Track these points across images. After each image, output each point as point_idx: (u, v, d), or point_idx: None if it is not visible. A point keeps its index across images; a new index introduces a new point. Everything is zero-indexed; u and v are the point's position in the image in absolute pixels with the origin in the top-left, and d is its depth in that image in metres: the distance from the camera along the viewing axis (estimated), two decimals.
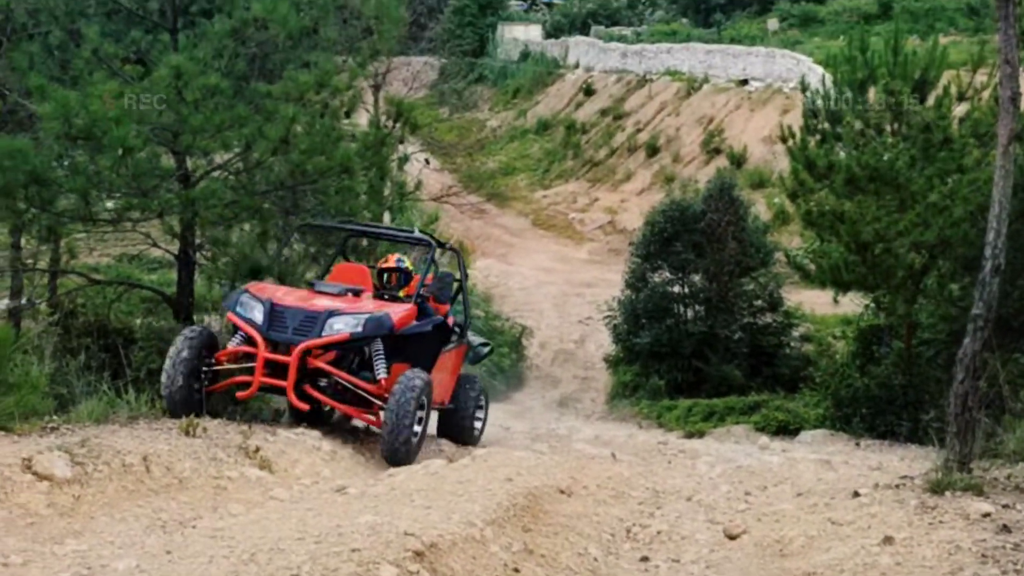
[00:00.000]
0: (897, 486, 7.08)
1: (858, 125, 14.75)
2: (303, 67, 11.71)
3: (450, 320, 10.69)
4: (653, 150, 37.07)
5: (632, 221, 31.37)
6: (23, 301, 13.05)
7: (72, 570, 5.11)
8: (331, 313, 9.16)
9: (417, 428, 9.10)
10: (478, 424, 11.34)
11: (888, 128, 14.68)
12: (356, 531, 5.31)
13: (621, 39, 47.12)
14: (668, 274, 20.49)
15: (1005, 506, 6.30)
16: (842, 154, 14.83)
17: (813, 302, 20.97)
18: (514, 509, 6.38)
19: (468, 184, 35.96)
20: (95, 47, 10.83)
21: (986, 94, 14.55)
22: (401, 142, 13.47)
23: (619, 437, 14.31)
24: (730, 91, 37.34)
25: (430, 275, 10.63)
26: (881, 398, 14.04)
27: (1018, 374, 11.18)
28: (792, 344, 20.20)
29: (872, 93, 15.31)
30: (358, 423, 10.25)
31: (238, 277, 11.02)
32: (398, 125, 12.91)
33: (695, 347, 19.72)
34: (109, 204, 11.65)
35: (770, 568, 6.07)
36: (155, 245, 12.50)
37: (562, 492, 7.24)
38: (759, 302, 20.24)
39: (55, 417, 7.70)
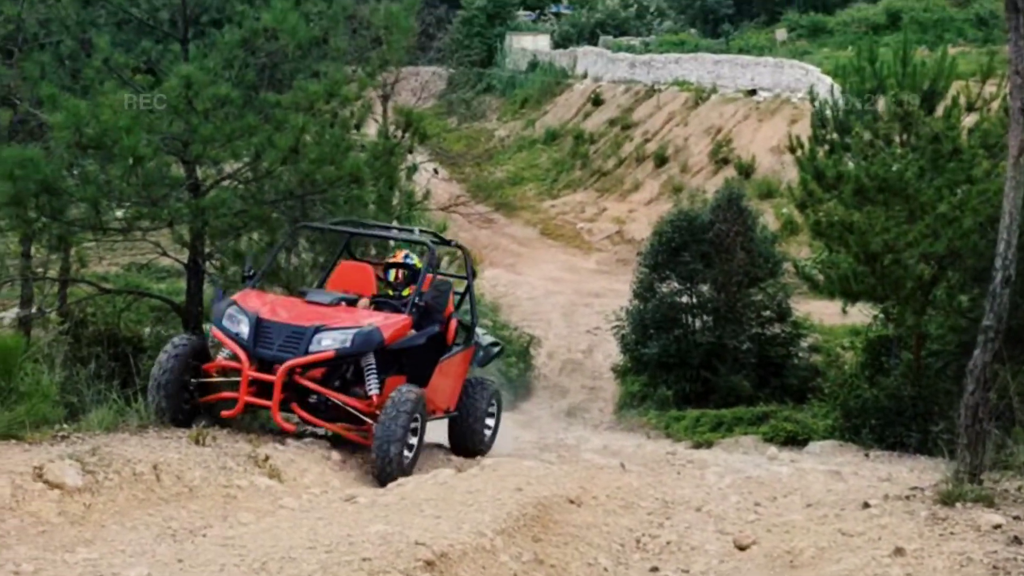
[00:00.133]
0: (907, 497, 7.07)
1: (867, 135, 14.73)
2: (312, 77, 11.76)
3: (453, 324, 10.36)
4: (661, 160, 37.08)
5: (640, 231, 31.37)
6: (33, 310, 13.09)
7: None
8: (318, 328, 8.79)
9: (412, 440, 8.80)
10: (488, 430, 10.93)
11: (897, 139, 14.66)
12: (367, 540, 5.31)
13: (629, 49, 47.18)
14: (676, 284, 20.47)
15: (1016, 518, 6.28)
16: (851, 164, 14.82)
17: (821, 313, 20.94)
18: (524, 519, 6.38)
19: (476, 194, 36.02)
20: (106, 57, 10.89)
21: (995, 105, 14.56)
22: (410, 152, 13.47)
23: (627, 447, 14.29)
24: (738, 101, 37.35)
25: (427, 281, 10.17)
26: (890, 409, 14.00)
27: None
28: (800, 355, 20.16)
29: (881, 103, 15.31)
30: None
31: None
32: (407, 135, 12.94)
33: (703, 357, 19.69)
34: (119, 213, 11.70)
35: None
36: (164, 254, 12.54)
37: (572, 502, 7.23)
38: (767, 312, 20.22)
39: (65, 426, 7.74)
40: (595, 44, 50.19)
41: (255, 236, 12.61)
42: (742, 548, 6.73)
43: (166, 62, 11.51)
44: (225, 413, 8.81)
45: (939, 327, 14.35)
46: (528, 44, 53.73)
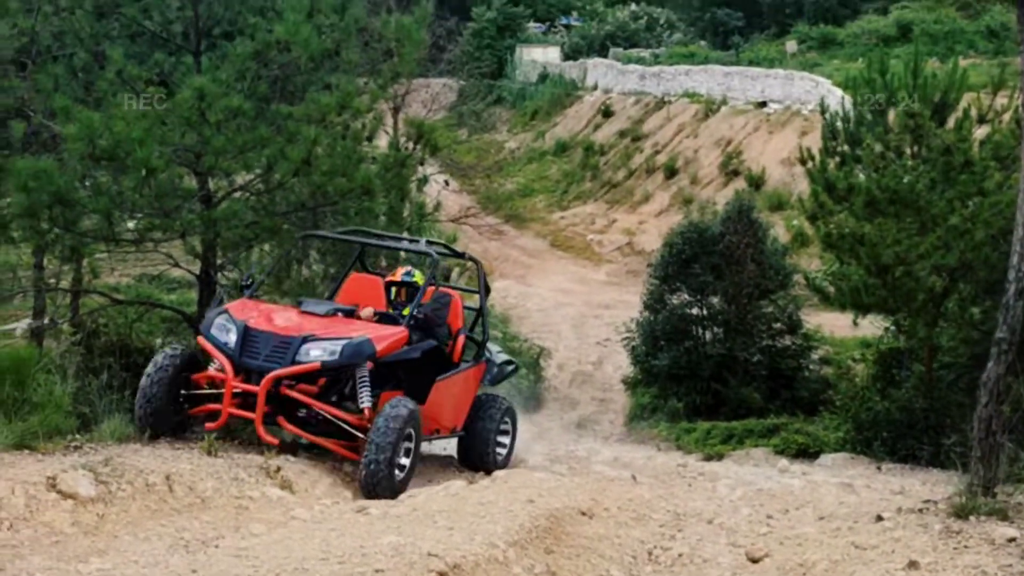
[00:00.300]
0: (920, 510, 7.04)
1: (878, 147, 14.73)
2: (324, 89, 11.81)
3: (461, 340, 10.13)
4: (671, 172, 37.09)
5: (650, 243, 31.35)
6: (46, 321, 13.15)
7: None
8: (306, 339, 8.51)
9: (404, 461, 8.49)
10: (501, 450, 10.54)
11: (908, 150, 14.64)
12: (380, 552, 5.31)
13: (639, 61, 47.24)
14: (686, 296, 20.44)
15: None
16: (862, 176, 14.80)
17: (832, 325, 20.89)
18: (536, 531, 6.37)
19: (486, 205, 36.07)
20: (119, 69, 10.95)
21: (1007, 116, 14.53)
22: (421, 164, 13.51)
23: (638, 459, 14.26)
24: (748, 113, 37.35)
25: (428, 293, 9.88)
26: (902, 422, 13.95)
27: None
28: (811, 367, 20.10)
29: (892, 115, 15.29)
30: None
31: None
32: (418, 147, 12.98)
33: (714, 369, 19.65)
34: (130, 224, 11.76)
35: None
36: (176, 265, 12.58)
37: (583, 514, 7.22)
38: (778, 324, 20.17)
39: (78, 436, 7.76)
40: (605, 56, 50.28)
41: (266, 247, 12.67)
42: (754, 561, 6.71)
43: (179, 74, 11.58)
44: (209, 425, 8.56)
45: (951, 339, 14.31)
46: (538, 56, 53.86)
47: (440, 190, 25.55)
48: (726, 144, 36.39)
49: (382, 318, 9.47)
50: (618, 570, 6.46)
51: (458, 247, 14.46)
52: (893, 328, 16.08)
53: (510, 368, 11.09)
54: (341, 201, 11.47)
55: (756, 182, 32.77)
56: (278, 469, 7.76)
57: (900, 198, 13.58)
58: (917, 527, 6.55)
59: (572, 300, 29.27)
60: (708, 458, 15.54)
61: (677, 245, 20.40)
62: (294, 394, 8.56)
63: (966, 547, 6.05)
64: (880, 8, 48.47)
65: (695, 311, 20.40)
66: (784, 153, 32.84)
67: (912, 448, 13.62)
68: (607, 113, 44.27)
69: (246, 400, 8.39)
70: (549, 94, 49.33)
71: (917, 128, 14.30)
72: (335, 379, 8.88)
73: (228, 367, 8.42)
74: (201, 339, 8.86)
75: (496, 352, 10.95)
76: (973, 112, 14.44)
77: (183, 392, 8.72)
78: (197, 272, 11.92)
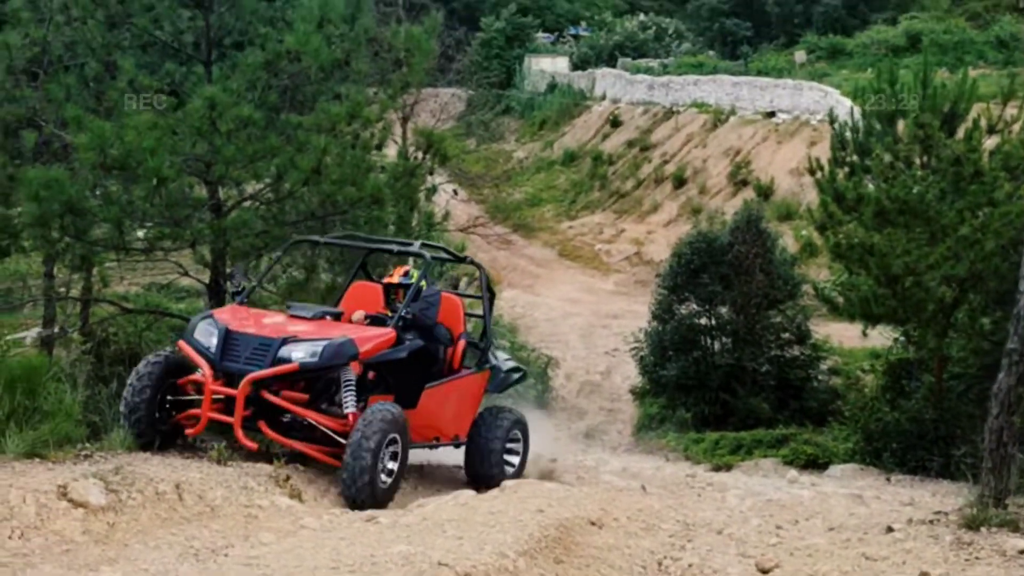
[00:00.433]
0: (931, 522, 7.03)
1: (887, 157, 14.71)
2: (334, 99, 11.85)
3: (461, 344, 9.81)
4: (680, 182, 37.10)
5: (659, 252, 31.34)
6: (56, 330, 13.20)
7: None
8: (285, 340, 8.24)
9: (391, 465, 8.15)
10: (512, 463, 10.03)
11: (917, 161, 14.62)
12: (390, 561, 5.31)
13: (648, 71, 47.30)
14: (695, 306, 20.41)
15: None
16: (871, 186, 14.78)
17: (841, 335, 20.84)
18: (546, 540, 6.36)
19: (495, 215, 36.13)
20: (131, 78, 11.00)
21: (1016, 127, 14.49)
22: (430, 173, 13.53)
23: (646, 469, 14.22)
24: (757, 123, 37.35)
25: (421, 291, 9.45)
26: (912, 432, 13.91)
27: None
28: (820, 377, 20.05)
29: (901, 126, 15.28)
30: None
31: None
32: (427, 156, 13.01)
33: (722, 379, 19.61)
34: (139, 233, 11.80)
35: None
36: (186, 274, 12.63)
37: (593, 524, 7.21)
38: (787, 335, 20.13)
39: (88, 445, 7.79)
40: (613, 66, 50.37)
41: (274, 256, 12.69)
42: (764, 572, 6.70)
43: (190, 84, 11.63)
44: (189, 431, 8.41)
45: (961, 350, 14.28)
46: (547, 66, 54.00)
47: (449, 200, 25.61)
48: (735, 154, 36.39)
49: (373, 321, 9.20)
50: None
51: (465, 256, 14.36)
52: (903, 339, 16.04)
53: (516, 376, 10.69)
54: (350, 210, 11.49)
55: (765, 192, 32.76)
56: (287, 478, 7.76)
57: (910, 208, 13.57)
58: (928, 538, 6.53)
59: (580, 310, 29.26)
60: (717, 468, 15.51)
61: (686, 255, 20.38)
62: (273, 397, 8.26)
63: (977, 559, 6.03)
64: (889, 18, 48.54)
65: (703, 321, 20.36)
66: (793, 163, 32.82)
67: (922, 459, 13.58)
68: (615, 123, 44.32)
69: (229, 404, 8.15)
70: (557, 104, 49.42)
71: (927, 138, 14.28)
72: (324, 384, 8.62)
73: (207, 370, 8.22)
74: (182, 343, 8.67)
75: (504, 359, 10.67)
76: (983, 122, 14.41)
77: (169, 398, 8.48)
78: (206, 281, 11.96)
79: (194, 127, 10.58)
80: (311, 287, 11.86)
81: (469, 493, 8.09)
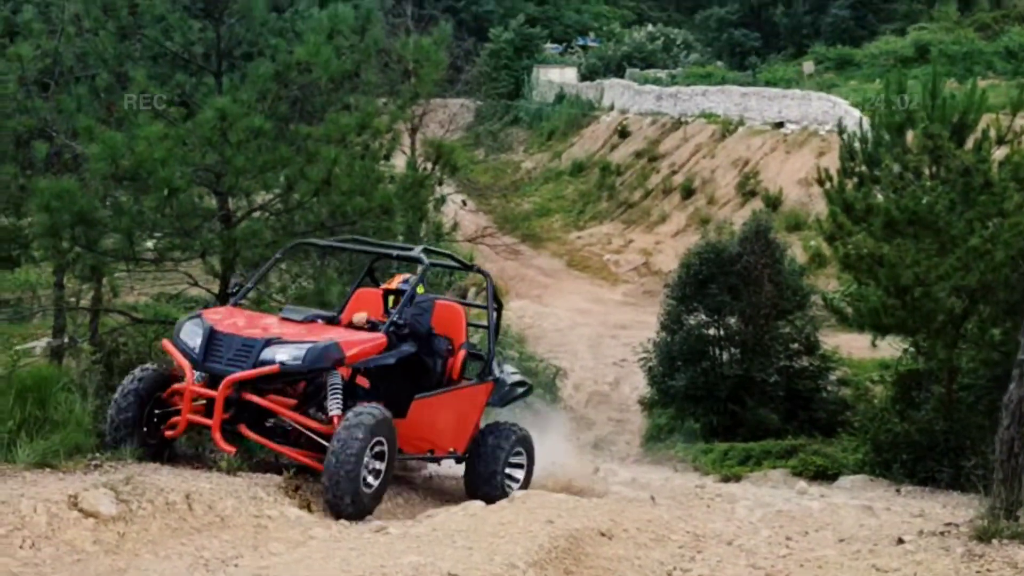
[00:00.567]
0: (942, 533, 7.00)
1: (896, 168, 14.71)
2: (344, 109, 11.88)
3: (461, 355, 9.46)
4: (688, 192, 37.13)
5: (667, 263, 31.36)
6: (66, 340, 13.23)
7: None
8: (269, 341, 7.96)
9: (377, 468, 7.84)
10: (513, 483, 9.59)
11: (927, 171, 14.62)
12: (400, 571, 5.31)
13: (656, 82, 47.38)
14: (704, 316, 20.41)
15: None
16: (880, 197, 14.78)
17: (850, 346, 20.81)
18: (555, 551, 6.36)
19: (503, 225, 36.18)
20: (142, 89, 11.05)
21: None
22: (439, 184, 13.55)
23: (655, 480, 14.21)
24: (765, 134, 37.37)
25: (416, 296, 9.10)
26: (921, 444, 13.87)
27: None
28: (829, 388, 20.03)
29: (910, 136, 15.28)
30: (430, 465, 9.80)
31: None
32: (437, 167, 13.03)
33: (731, 390, 19.60)
34: (149, 244, 11.84)
35: None
36: (195, 284, 12.65)
37: (603, 535, 7.20)
38: (795, 345, 20.12)
39: (99, 455, 7.80)
40: (622, 76, 50.46)
41: (284, 267, 12.72)
42: None
43: (200, 95, 11.67)
44: (168, 433, 8.15)
45: (971, 361, 14.24)
46: (555, 76, 54.13)
47: (457, 210, 25.63)
48: (743, 164, 36.41)
49: (374, 326, 8.82)
50: None
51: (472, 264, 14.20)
52: (912, 349, 16.00)
53: (521, 390, 10.22)
54: (360, 221, 11.50)
55: (773, 202, 32.77)
56: (297, 488, 7.76)
57: (919, 219, 13.55)
58: (939, 550, 6.51)
59: (588, 320, 29.27)
60: (726, 479, 15.50)
61: (694, 265, 20.39)
62: (255, 398, 7.98)
63: (989, 571, 6.01)
64: (898, 29, 48.55)
65: (712, 331, 20.36)
66: (801, 173, 32.84)
67: (932, 470, 13.54)
68: (624, 133, 44.39)
69: (211, 406, 7.89)
70: (566, 114, 49.53)
71: (936, 149, 14.27)
72: (314, 389, 8.32)
73: (188, 371, 7.98)
74: (165, 342, 8.47)
75: (509, 372, 10.25)
76: (992, 133, 14.43)
77: (156, 412, 8.23)
78: (216, 291, 11.98)
79: (204, 138, 10.61)
80: (323, 296, 11.85)
81: (478, 504, 8.07)
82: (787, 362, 20.00)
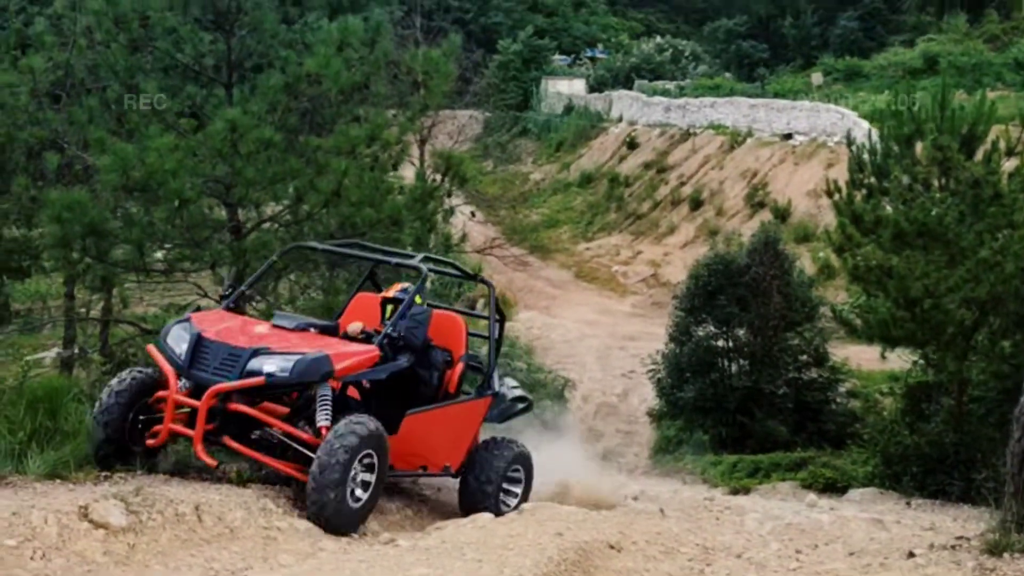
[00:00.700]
0: (953, 547, 6.97)
1: (905, 180, 14.68)
2: (353, 121, 11.94)
3: (458, 368, 9.10)
4: (697, 203, 37.13)
5: (675, 274, 31.33)
6: (76, 350, 13.28)
7: None
8: (257, 351, 7.64)
9: (359, 491, 7.50)
10: (510, 500, 9.21)
11: (936, 183, 14.59)
12: None
13: (664, 93, 47.43)
14: (712, 328, 20.37)
15: None
16: (889, 209, 14.75)
17: (859, 358, 20.75)
18: (565, 564, 6.35)
19: (511, 236, 36.19)
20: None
21: None
22: (448, 195, 13.59)
23: (664, 492, 14.17)
24: (774, 145, 37.36)
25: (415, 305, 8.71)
26: (932, 456, 13.81)
27: None
28: (838, 400, 19.96)
29: (919, 148, 15.25)
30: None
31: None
32: (446, 178, 13.07)
33: (739, 402, 19.55)
34: (158, 254, 11.89)
35: None
36: (205, 295, 12.69)
37: (612, 547, 7.19)
38: (804, 357, 20.06)
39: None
40: (630, 88, 50.52)
41: (293, 278, 12.76)
42: None
43: (210, 107, 11.74)
44: (150, 442, 7.82)
45: (981, 373, 14.19)
46: (564, 88, 54.23)
47: (466, 221, 25.68)
48: (752, 176, 36.40)
49: (368, 336, 8.48)
50: None
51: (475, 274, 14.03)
52: (922, 362, 15.96)
53: (521, 406, 9.80)
54: (369, 232, 11.54)
55: (782, 214, 32.74)
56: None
57: (929, 230, 13.53)
58: (950, 564, 6.48)
59: (597, 331, 29.24)
60: (734, 492, 15.44)
61: (703, 276, 20.36)
62: (242, 407, 7.67)
63: None
64: (906, 40, 48.55)
65: (721, 343, 20.32)
66: (810, 185, 32.82)
67: (943, 483, 13.48)
68: (632, 145, 44.42)
69: (194, 416, 7.55)
70: (574, 126, 49.59)
71: (945, 160, 14.25)
72: (305, 402, 7.99)
73: (172, 378, 7.67)
74: (151, 347, 8.15)
75: (510, 386, 9.87)
76: (1001, 144, 14.39)
77: (141, 419, 7.89)
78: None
79: (215, 149, 10.67)
80: (332, 307, 11.88)
81: (487, 516, 8.06)
82: (796, 374, 19.94)
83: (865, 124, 29.11)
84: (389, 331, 8.25)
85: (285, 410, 8.07)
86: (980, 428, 13.75)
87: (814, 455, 16.81)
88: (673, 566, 7.35)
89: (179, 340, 7.88)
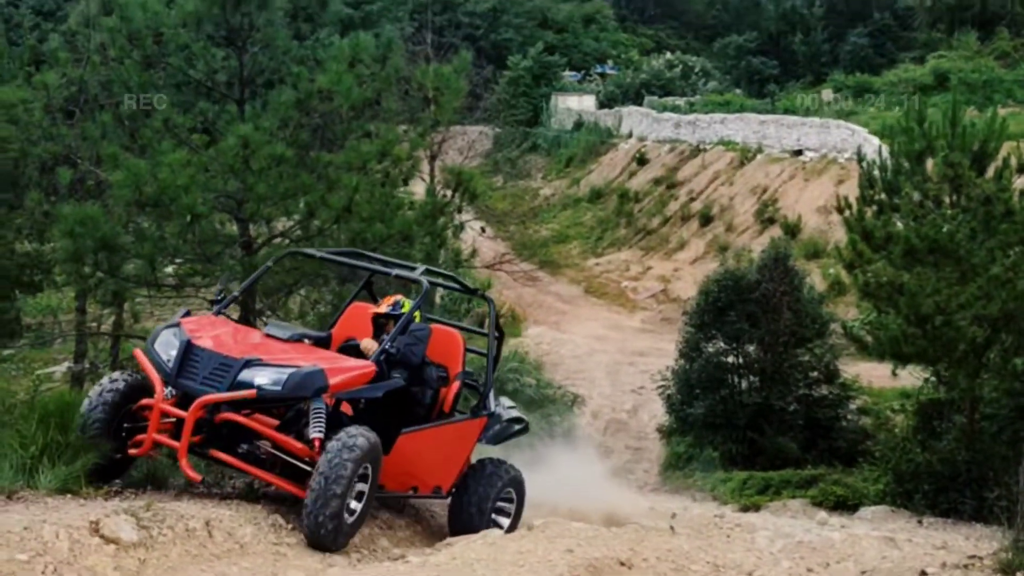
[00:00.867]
0: (966, 566, 6.94)
1: (916, 196, 14.67)
2: (364, 137, 11.99)
3: (455, 387, 8.85)
4: (706, 219, 37.11)
5: (685, 290, 31.29)
6: (87, 364, 13.33)
7: None
8: (249, 362, 7.36)
9: (354, 502, 7.28)
10: (503, 522, 8.92)
11: (947, 199, 14.57)
12: None
13: (674, 109, 47.49)
14: (722, 344, 20.32)
15: None
16: (900, 225, 14.73)
17: (870, 374, 20.68)
18: None
19: (521, 252, 36.19)
20: (166, 117, 11.18)
21: None
22: (459, 211, 13.62)
23: (674, 509, 14.12)
24: (784, 161, 37.35)
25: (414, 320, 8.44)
26: (944, 474, 13.75)
27: None
28: (849, 417, 19.88)
29: (930, 164, 15.24)
30: None
31: None
32: (456, 194, 13.10)
33: (750, 418, 19.49)
34: (169, 269, 11.93)
35: None
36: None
37: (622, 564, 7.16)
38: (815, 373, 20.00)
39: (118, 481, 7.82)
40: (640, 104, 50.60)
41: (303, 293, 12.80)
42: None
43: (223, 122, 11.80)
44: (133, 451, 7.58)
45: (993, 390, 14.14)
46: (573, 104, 54.33)
47: (476, 237, 25.71)
48: (761, 192, 36.38)
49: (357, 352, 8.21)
50: None
51: (492, 293, 13.91)
52: (933, 379, 15.90)
53: (517, 427, 9.49)
54: (379, 247, 11.57)
55: (792, 230, 32.69)
56: None
57: (939, 247, 13.50)
58: None
59: (606, 347, 29.20)
60: (745, 509, 15.38)
61: (713, 292, 20.33)
62: (233, 415, 7.40)
63: None
64: (917, 57, 48.56)
65: (731, 359, 20.27)
66: (820, 201, 32.78)
67: (955, 501, 13.42)
68: (642, 161, 44.45)
69: (180, 426, 7.28)
70: (584, 142, 49.66)
71: (956, 177, 14.23)
72: (295, 415, 7.71)
73: (158, 386, 7.41)
74: (137, 352, 7.94)
75: (506, 407, 9.58)
76: (1013, 161, 14.37)
77: (126, 426, 7.70)
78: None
79: (227, 165, 10.73)
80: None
81: (498, 532, 8.05)
82: (806, 390, 19.88)
83: (876, 140, 29.10)
84: (387, 347, 7.98)
85: (274, 421, 7.76)
86: (992, 446, 13.68)
87: (825, 472, 16.74)
88: None
89: (168, 346, 7.61)
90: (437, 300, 21.83)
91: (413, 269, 8.97)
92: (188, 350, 7.49)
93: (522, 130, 52.75)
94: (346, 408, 8.06)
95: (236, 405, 7.42)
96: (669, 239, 37.67)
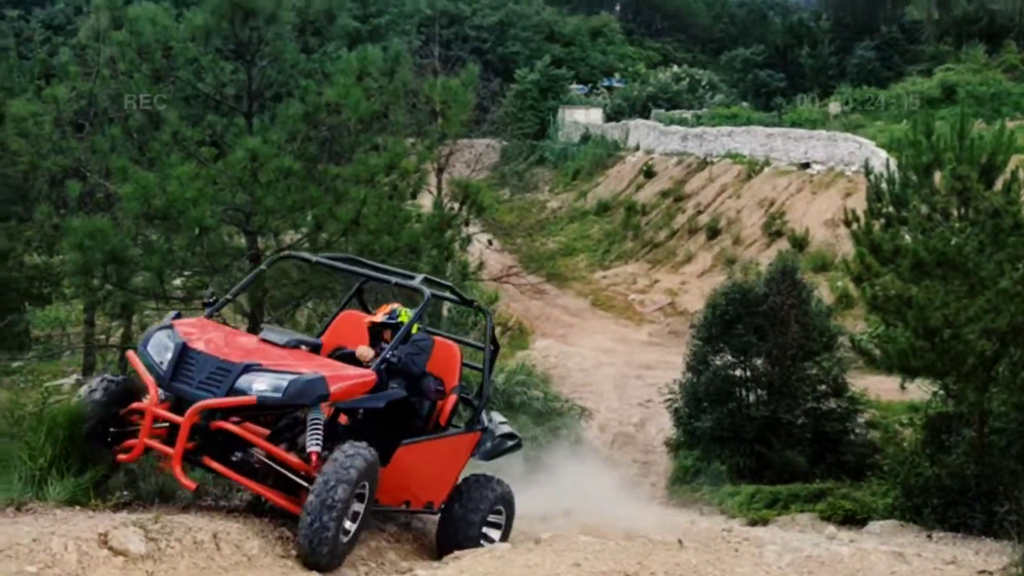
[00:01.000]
0: None
1: (924, 209, 14.65)
2: (372, 150, 12.03)
3: (451, 400, 8.68)
4: (714, 232, 37.12)
5: (693, 303, 31.27)
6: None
7: None
8: (248, 367, 7.13)
9: (349, 522, 7.06)
10: (491, 536, 8.76)
11: (955, 212, 14.55)
12: None
13: (681, 122, 47.57)
14: (730, 357, 20.27)
15: None
16: (908, 238, 14.71)
17: (878, 388, 20.63)
18: None
19: (528, 264, 36.21)
20: (175, 130, 11.23)
21: None
22: (466, 224, 13.64)
23: (682, 523, 14.08)
24: (791, 174, 37.35)
25: (413, 331, 8.26)
26: (953, 488, 13.68)
27: None
28: (857, 430, 19.81)
29: (938, 177, 15.23)
30: None
31: None
32: (464, 207, 13.13)
33: (757, 432, 19.43)
34: (177, 282, 11.96)
35: None
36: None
37: None
38: (823, 387, 19.93)
39: (126, 492, 7.83)
40: (647, 117, 50.68)
41: (310, 305, 12.82)
42: None
43: (231, 135, 11.85)
44: (122, 457, 7.41)
45: (1002, 404, 14.07)
46: (580, 117, 54.45)
47: (483, 249, 25.73)
48: (769, 205, 36.38)
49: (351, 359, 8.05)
50: None
51: (499, 306, 13.89)
52: (942, 392, 15.85)
53: (510, 443, 9.31)
54: (387, 259, 11.59)
55: (799, 243, 32.68)
56: None
57: (948, 260, 13.47)
58: None
59: (613, 360, 29.17)
60: (753, 523, 15.33)
61: (720, 306, 20.30)
62: (228, 425, 7.14)
63: None
64: (924, 70, 48.57)
65: (738, 372, 20.22)
66: (828, 214, 32.77)
67: (964, 516, 13.35)
68: (649, 173, 44.50)
69: (174, 432, 7.05)
70: (591, 154, 49.74)
71: (964, 190, 14.22)
72: (289, 423, 7.53)
73: (152, 389, 7.23)
74: (131, 354, 7.72)
75: (499, 422, 9.39)
76: (1021, 174, 14.34)
77: (112, 431, 7.54)
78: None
79: (235, 178, 10.78)
80: None
81: (505, 546, 8.03)
82: (814, 404, 19.82)
83: (883, 153, 29.05)
84: (388, 356, 7.78)
85: (265, 431, 7.55)
86: (1002, 460, 13.62)
87: (833, 486, 16.67)
88: None
89: (162, 349, 7.38)
90: (444, 313, 21.85)
91: (411, 277, 8.78)
92: (183, 353, 7.26)
93: (529, 143, 52.87)
94: (343, 419, 7.88)
95: (228, 411, 7.16)
96: (676, 252, 37.67)
